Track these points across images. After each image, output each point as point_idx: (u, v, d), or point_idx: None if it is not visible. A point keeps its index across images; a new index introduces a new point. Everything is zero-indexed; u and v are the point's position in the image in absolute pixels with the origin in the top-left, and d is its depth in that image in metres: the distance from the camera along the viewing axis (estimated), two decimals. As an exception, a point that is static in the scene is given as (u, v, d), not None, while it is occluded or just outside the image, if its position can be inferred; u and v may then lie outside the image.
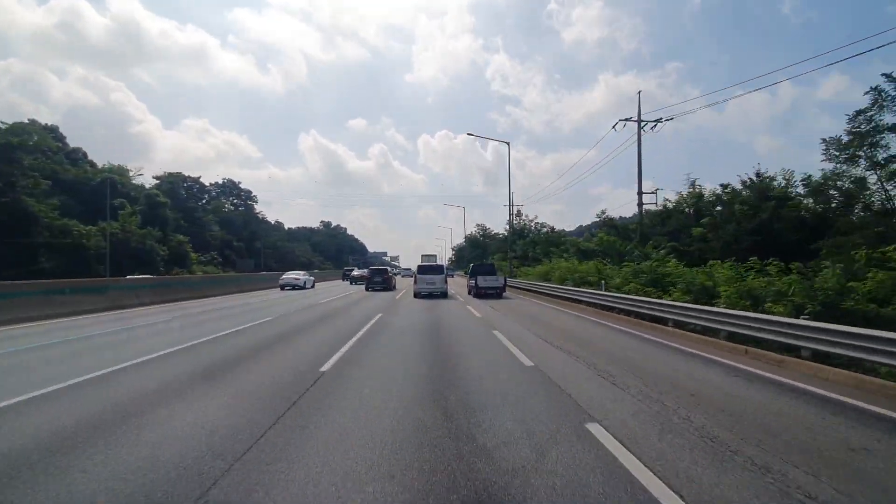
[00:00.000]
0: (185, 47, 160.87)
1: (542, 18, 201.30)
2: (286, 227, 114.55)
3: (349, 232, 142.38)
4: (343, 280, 47.61)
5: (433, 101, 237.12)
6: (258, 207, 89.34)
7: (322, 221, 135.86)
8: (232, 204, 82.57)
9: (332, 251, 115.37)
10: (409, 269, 41.95)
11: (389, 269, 33.03)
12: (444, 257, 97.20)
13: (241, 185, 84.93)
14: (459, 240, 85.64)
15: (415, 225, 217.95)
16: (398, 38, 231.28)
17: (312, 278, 35.78)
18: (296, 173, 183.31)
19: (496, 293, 22.21)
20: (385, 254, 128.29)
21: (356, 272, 43.69)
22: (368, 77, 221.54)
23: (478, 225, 72.96)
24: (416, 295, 21.95)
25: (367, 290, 28.03)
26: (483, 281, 22.32)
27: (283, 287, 30.96)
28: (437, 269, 23.70)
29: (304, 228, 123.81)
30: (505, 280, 24.58)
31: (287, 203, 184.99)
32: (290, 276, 33.11)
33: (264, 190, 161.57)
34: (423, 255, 28.15)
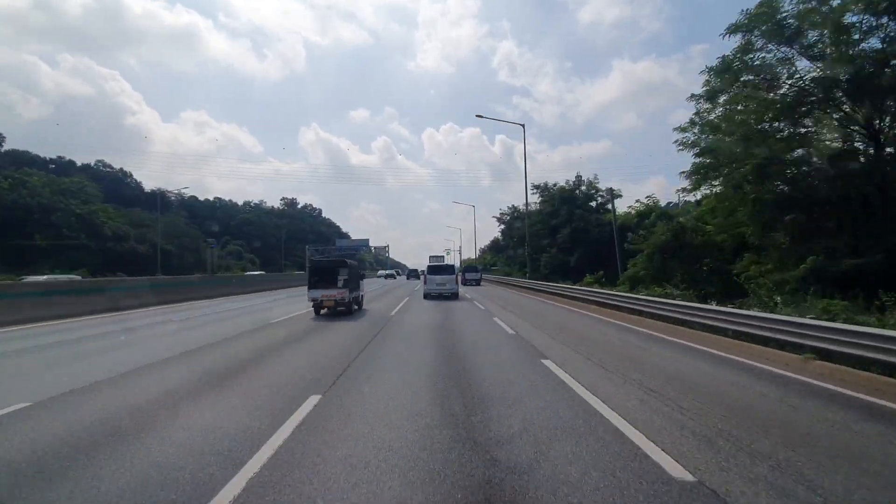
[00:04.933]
0: (173, 28, 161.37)
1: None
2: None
3: (325, 215, 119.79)
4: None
5: (436, 92, 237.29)
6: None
7: (283, 199, 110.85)
8: None
9: (274, 238, 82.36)
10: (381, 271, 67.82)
11: (418, 269, 56.35)
12: (465, 253, 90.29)
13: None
14: (468, 237, 75.76)
15: (420, 221, 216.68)
16: (398, 20, 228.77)
17: (391, 271, 70.80)
18: (297, 167, 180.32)
19: (475, 282, 39.60)
20: (366, 242, 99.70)
21: (387, 272, 70.07)
22: (369, 64, 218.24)
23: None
24: (426, 296, 22.23)
25: (407, 279, 55.23)
26: (468, 275, 40.44)
27: (383, 277, 62.02)
28: (448, 270, 24.26)
29: (246, 205, 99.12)
30: (481, 275, 43.24)
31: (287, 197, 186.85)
32: (381, 272, 68.02)
33: (267, 183, 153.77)
34: (430, 257, 35.40)
